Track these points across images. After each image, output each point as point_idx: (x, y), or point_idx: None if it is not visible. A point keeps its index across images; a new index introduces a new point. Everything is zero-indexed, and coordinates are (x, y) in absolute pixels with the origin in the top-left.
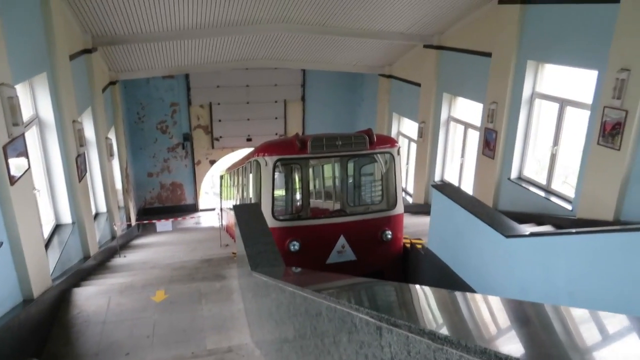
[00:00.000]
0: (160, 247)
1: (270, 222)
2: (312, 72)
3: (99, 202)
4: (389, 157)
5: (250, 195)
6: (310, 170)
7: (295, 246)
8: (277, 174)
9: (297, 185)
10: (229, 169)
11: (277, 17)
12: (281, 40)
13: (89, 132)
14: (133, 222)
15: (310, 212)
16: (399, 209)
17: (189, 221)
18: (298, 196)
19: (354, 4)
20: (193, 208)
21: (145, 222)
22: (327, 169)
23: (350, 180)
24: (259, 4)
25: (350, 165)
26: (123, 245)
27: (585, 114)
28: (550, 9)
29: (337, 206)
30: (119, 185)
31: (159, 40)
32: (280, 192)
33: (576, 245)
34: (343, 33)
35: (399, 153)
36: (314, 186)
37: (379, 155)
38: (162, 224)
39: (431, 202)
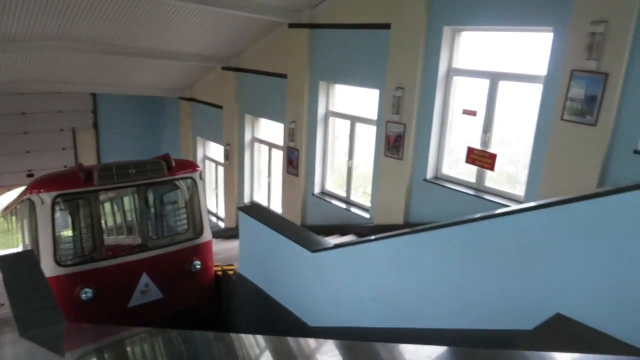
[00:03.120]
0: None
1: (53, 270)
2: (104, 96)
3: None
4: (190, 182)
5: (27, 240)
6: (102, 204)
7: (87, 294)
8: (58, 213)
9: (86, 223)
10: (4, 212)
11: (51, 33)
12: (62, 60)
13: None
14: None
15: (106, 252)
16: (207, 235)
17: None
18: (88, 235)
19: (142, 22)
20: None
21: None
22: (124, 201)
23: (151, 211)
24: (26, 15)
25: (150, 195)
26: None
27: (373, 129)
28: (334, 33)
29: (138, 241)
30: None
31: None
32: (65, 233)
33: (374, 251)
34: (134, 53)
35: (201, 177)
36: (110, 221)
37: (180, 181)
38: None
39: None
